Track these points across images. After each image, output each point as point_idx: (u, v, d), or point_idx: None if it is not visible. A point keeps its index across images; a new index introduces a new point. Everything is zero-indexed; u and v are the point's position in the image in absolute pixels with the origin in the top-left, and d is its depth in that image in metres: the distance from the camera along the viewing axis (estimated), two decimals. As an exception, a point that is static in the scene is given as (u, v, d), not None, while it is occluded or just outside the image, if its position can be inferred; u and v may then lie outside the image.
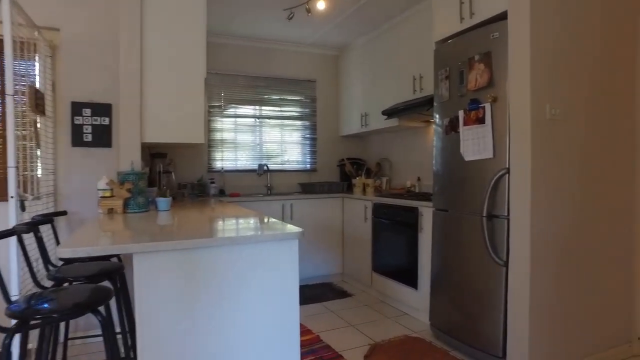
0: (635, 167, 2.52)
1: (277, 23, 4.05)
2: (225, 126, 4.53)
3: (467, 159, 2.52)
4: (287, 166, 4.82)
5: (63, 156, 2.77)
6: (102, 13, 2.84)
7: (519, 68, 2.18)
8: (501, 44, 2.29)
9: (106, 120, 2.86)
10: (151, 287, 1.38)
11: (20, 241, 1.83)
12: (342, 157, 5.00)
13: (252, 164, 4.64)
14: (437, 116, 2.81)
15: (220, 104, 4.50)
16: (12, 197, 1.97)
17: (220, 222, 1.93)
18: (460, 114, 2.55)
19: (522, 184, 2.18)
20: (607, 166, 2.41)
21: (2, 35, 2.01)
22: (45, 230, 2.47)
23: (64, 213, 2.56)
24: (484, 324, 2.39)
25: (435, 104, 2.84)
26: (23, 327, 1.34)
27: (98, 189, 2.46)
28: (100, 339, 2.62)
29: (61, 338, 2.28)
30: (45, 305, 1.35)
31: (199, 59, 2.98)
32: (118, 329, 2.57)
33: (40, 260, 1.97)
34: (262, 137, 4.70)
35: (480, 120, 2.41)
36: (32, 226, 1.76)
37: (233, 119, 4.57)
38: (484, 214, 2.34)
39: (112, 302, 2.02)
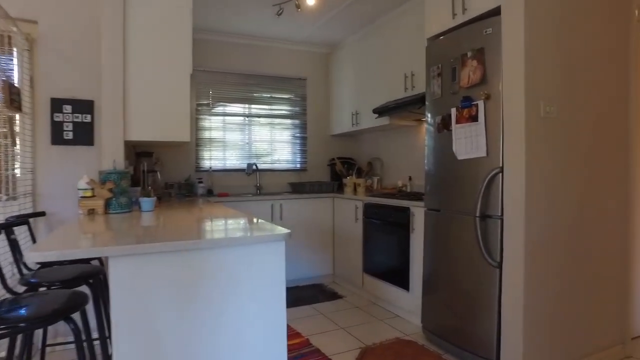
0: (630, 166, 2.49)
1: (267, 19, 3.97)
2: (213, 125, 4.44)
3: (459, 157, 2.47)
4: (276, 165, 4.74)
5: (42, 154, 2.66)
6: (83, 5, 2.73)
7: (513, 64, 2.13)
8: (494, 40, 2.24)
9: (88, 118, 2.76)
10: (127, 292, 1.29)
11: (-9, 244, 1.73)
12: (332, 156, 4.93)
13: (241, 164, 4.55)
14: (429, 114, 2.75)
15: (208, 102, 4.40)
16: (-17, 197, 1.87)
17: (204, 224, 1.84)
18: (453, 111, 2.50)
19: (516, 183, 2.13)
20: (601, 165, 2.37)
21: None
22: (22, 232, 2.36)
23: (42, 214, 2.46)
24: (477, 327, 2.33)
25: (427, 101, 2.78)
26: (-12, 337, 1.25)
27: (78, 189, 2.36)
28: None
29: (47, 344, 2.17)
30: (13, 314, 1.26)
31: (185, 54, 2.88)
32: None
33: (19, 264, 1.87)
34: (251, 136, 4.61)
35: (473, 118, 2.36)
36: (4, 228, 1.67)
37: (222, 118, 4.48)
38: (477, 214, 2.28)
39: (91, 307, 1.93)
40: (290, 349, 2.64)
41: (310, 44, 4.77)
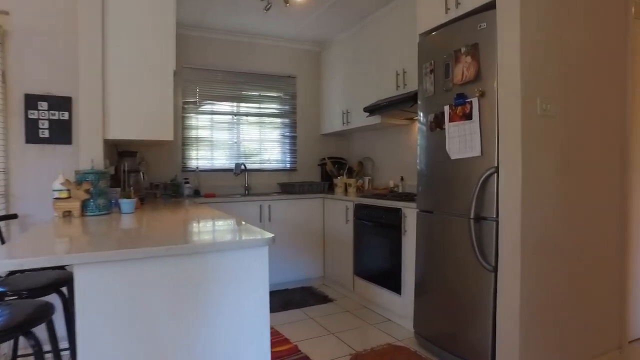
0: (627, 166, 2.42)
1: (255, 15, 3.86)
2: (200, 123, 4.31)
3: (453, 157, 2.38)
4: (265, 165, 4.62)
5: (16, 154, 2.52)
6: (60, -3, 2.60)
7: (509, 60, 2.05)
8: (489, 35, 2.15)
9: (65, 115, 2.63)
10: (93, 303, 1.18)
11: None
12: (323, 156, 4.82)
13: (229, 163, 4.43)
14: (421, 113, 2.66)
15: (195, 100, 4.28)
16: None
17: (183, 227, 1.73)
18: (446, 109, 2.41)
19: (512, 184, 2.05)
20: (599, 165, 2.30)
21: None
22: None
23: (14, 216, 2.33)
24: (472, 333, 2.25)
25: (419, 99, 2.69)
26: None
27: (53, 190, 2.23)
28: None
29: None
30: (-34, 328, 1.14)
31: (168, 49, 2.76)
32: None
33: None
34: (239, 135, 4.49)
35: (467, 116, 2.27)
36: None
37: (209, 116, 4.35)
38: (471, 216, 2.19)
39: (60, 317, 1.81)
40: (278, 356, 2.53)
41: (300, 41, 4.67)
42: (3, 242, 2.18)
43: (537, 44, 2.05)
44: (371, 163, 4.41)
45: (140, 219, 2.09)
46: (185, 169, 4.21)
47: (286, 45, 4.66)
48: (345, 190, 4.11)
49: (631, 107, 2.42)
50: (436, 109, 2.51)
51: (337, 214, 3.86)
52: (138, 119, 2.70)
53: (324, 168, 4.71)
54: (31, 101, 2.53)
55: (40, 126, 2.56)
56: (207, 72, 4.30)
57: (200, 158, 4.30)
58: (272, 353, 2.56)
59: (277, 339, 2.80)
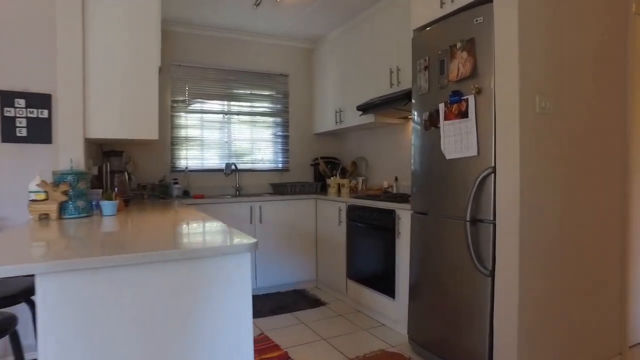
0: (628, 166, 2.34)
1: (245, 11, 3.75)
2: (190, 122, 4.20)
3: (448, 157, 2.29)
4: (257, 165, 4.52)
5: (-9, 153, 2.41)
6: (39, -10, 2.48)
7: (506, 56, 1.96)
8: (486, 30, 2.07)
9: (45, 113, 2.51)
10: (57, 315, 1.08)
11: None
12: (315, 155, 4.73)
13: (219, 164, 4.32)
14: (416, 111, 2.57)
15: (184, 98, 4.17)
16: None
17: (163, 232, 1.63)
18: (441, 107, 2.32)
19: (509, 184, 1.96)
20: (599, 165, 2.22)
21: None
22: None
23: (-13, 219, 2.21)
24: (468, 339, 2.16)
25: (413, 97, 2.60)
26: None
27: (29, 191, 2.12)
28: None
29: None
30: None
31: (152, 45, 2.65)
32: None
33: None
34: (230, 135, 4.39)
35: (463, 114, 2.18)
36: None
37: (199, 115, 4.24)
38: (468, 219, 2.11)
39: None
40: (266, 364, 2.43)
41: (292, 38, 4.57)
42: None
43: (536, 38, 1.96)
44: (365, 163, 4.32)
45: (121, 221, 1.98)
46: (174, 169, 4.10)
47: (278, 42, 4.56)
48: (339, 190, 4.02)
49: (632, 106, 2.34)
50: (431, 107, 2.42)
51: (330, 215, 3.77)
52: (121, 117, 2.59)
53: (316, 168, 4.61)
54: (7, 98, 2.41)
55: (18, 124, 2.44)
56: (196, 69, 4.20)
57: (189, 158, 4.19)
58: (261, 361, 2.46)
59: (266, 345, 2.70)
